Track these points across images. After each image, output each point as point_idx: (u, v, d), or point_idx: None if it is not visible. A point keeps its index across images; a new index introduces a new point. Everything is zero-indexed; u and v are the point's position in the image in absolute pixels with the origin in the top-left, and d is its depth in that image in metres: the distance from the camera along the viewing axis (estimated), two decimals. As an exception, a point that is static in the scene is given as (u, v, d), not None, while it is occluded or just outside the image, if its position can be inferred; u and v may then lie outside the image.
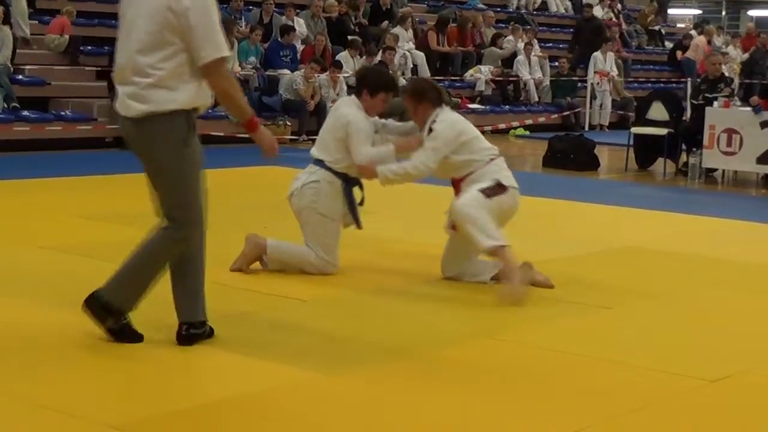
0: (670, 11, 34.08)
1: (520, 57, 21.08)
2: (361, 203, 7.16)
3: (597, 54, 21.37)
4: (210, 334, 5.36)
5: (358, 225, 7.12)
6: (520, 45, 21.29)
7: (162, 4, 5.03)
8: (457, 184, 6.92)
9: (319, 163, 7.03)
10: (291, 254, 7.02)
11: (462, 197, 6.74)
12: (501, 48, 21.07)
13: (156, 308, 5.85)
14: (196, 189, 5.20)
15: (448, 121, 6.88)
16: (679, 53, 24.84)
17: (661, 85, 22.98)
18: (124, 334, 5.27)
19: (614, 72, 21.70)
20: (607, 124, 21.07)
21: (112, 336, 5.25)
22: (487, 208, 6.65)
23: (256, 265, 7.03)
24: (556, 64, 21.67)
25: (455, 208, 6.69)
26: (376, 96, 7.05)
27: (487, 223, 6.59)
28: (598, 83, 21.21)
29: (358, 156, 6.89)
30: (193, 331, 5.29)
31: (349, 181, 7.05)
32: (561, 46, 23.54)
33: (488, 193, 6.68)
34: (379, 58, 17.91)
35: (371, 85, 7.09)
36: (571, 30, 24.42)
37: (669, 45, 26.49)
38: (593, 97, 21.16)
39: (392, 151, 6.95)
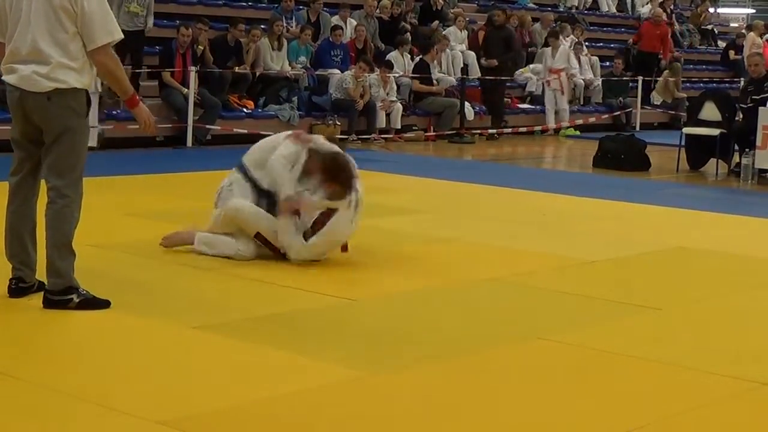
0: (722, 10, 33.78)
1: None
2: None
3: (547, 49, 19.82)
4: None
5: None
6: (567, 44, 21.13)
7: None
8: None
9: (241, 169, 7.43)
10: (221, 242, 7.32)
11: None
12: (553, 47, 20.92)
13: (198, 306, 5.88)
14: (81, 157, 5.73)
15: None
16: (731, 53, 24.63)
17: (714, 84, 22.76)
18: (93, 303, 5.74)
19: (574, 69, 19.96)
20: (562, 126, 19.29)
21: (84, 308, 5.68)
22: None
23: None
24: (608, 64, 21.51)
25: None
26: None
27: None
28: (547, 81, 19.36)
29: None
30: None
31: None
32: (612, 45, 23.38)
33: None
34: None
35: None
36: (622, 30, 24.28)
37: (722, 44, 26.28)
38: (529, 96, 19.84)
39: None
